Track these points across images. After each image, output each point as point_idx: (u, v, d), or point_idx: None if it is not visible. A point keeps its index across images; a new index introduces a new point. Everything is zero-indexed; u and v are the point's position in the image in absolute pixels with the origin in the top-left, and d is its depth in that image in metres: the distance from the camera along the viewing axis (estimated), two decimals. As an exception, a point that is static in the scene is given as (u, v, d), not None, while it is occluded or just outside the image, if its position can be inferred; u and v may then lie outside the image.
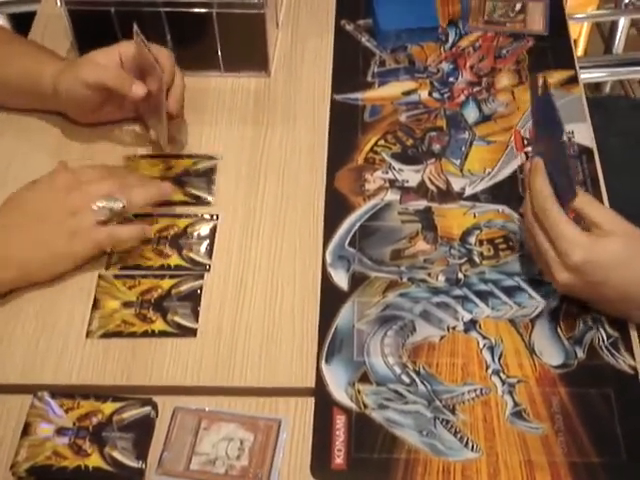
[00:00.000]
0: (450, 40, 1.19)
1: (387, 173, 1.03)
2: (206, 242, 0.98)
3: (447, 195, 1.01)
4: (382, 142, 1.07)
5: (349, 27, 1.21)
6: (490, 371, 0.87)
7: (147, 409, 0.84)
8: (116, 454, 0.82)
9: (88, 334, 0.91)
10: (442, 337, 0.89)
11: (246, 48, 1.14)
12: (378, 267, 0.95)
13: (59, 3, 1.10)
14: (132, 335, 0.90)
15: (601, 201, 1.00)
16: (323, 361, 0.88)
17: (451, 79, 1.14)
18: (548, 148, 0.88)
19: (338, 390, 0.86)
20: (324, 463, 0.82)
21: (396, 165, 1.04)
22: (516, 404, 0.84)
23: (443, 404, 0.85)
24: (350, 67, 1.16)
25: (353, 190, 1.02)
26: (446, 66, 1.15)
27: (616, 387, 0.85)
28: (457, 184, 1.02)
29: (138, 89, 1.01)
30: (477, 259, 0.95)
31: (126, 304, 0.93)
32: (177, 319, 0.92)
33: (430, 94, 1.12)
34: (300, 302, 0.93)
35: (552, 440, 0.82)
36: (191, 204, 1.02)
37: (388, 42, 1.18)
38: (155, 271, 0.95)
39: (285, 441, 0.83)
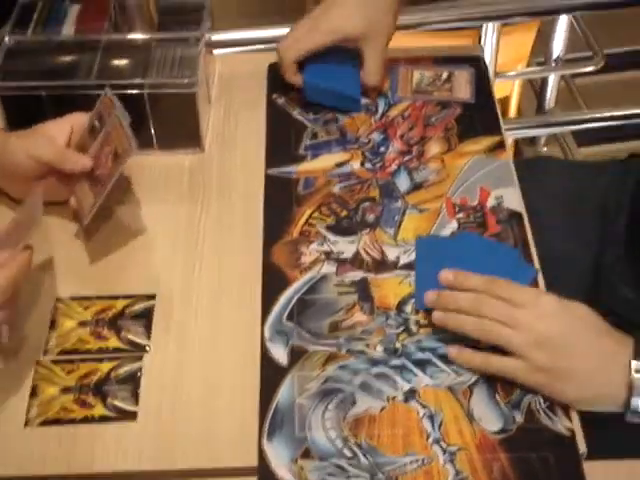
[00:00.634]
0: (380, 110, 1.21)
1: (322, 245, 1.05)
2: (144, 322, 0.98)
3: (382, 265, 1.03)
4: (316, 214, 1.08)
5: (280, 101, 1.23)
6: (431, 440, 0.88)
7: (89, 498, 0.84)
8: None
9: (27, 423, 0.90)
10: (382, 408, 0.90)
11: (179, 126, 1.15)
12: (316, 340, 0.96)
13: (-10, 88, 1.11)
14: (72, 422, 0.90)
15: (532, 263, 1.02)
16: (265, 439, 0.88)
17: (382, 149, 1.16)
18: None
19: (281, 467, 0.86)
20: (269, 543, 0.82)
21: (331, 237, 1.06)
22: (457, 472, 0.85)
23: (386, 476, 0.85)
24: (283, 140, 1.18)
25: (289, 264, 1.03)
26: (377, 136, 1.18)
27: (554, 450, 0.86)
28: (392, 253, 1.04)
29: (84, 162, 1.02)
30: (414, 328, 0.97)
31: (65, 390, 0.92)
32: (117, 403, 0.91)
33: (362, 164, 1.14)
34: (240, 379, 0.93)
35: (494, 507, 0.83)
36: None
37: (312, 96, 1.21)
38: (94, 354, 0.95)
39: (229, 523, 0.83)
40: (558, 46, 2.15)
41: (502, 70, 2.03)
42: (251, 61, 1.32)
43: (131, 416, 0.90)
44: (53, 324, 0.98)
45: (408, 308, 0.98)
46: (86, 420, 0.90)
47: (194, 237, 1.07)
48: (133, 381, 0.93)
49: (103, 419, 0.90)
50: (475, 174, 1.12)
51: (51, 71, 1.13)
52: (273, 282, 1.01)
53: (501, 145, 1.15)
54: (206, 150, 1.17)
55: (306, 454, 0.86)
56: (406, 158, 1.15)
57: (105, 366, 0.94)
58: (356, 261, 1.03)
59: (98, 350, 0.95)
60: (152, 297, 1.00)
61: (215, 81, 1.27)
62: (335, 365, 0.93)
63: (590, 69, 2.13)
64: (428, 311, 0.98)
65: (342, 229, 1.07)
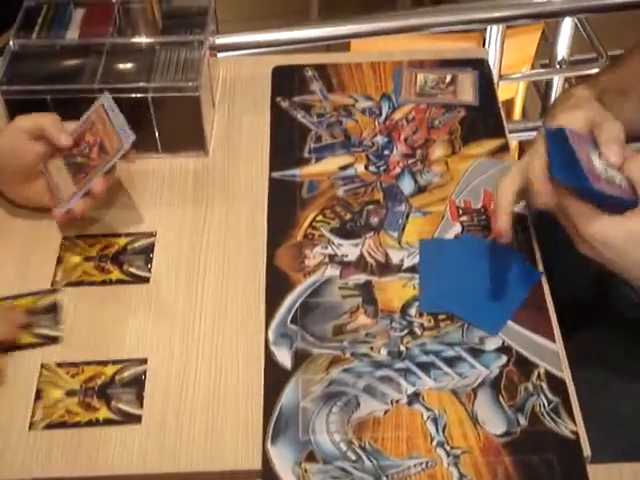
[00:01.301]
0: (384, 113, 1.21)
1: (326, 248, 1.05)
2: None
3: (386, 268, 1.03)
4: (320, 217, 1.08)
5: (284, 104, 1.23)
6: (435, 443, 0.88)
7: (93, 500, 0.84)
8: None
9: (31, 426, 0.90)
10: (386, 411, 0.90)
11: (183, 129, 1.15)
12: (321, 343, 0.96)
13: (-5, 91, 1.11)
14: (76, 425, 0.90)
15: (536, 266, 1.02)
16: (269, 442, 0.88)
17: (386, 152, 1.16)
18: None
19: (285, 471, 0.86)
20: None
21: (335, 240, 1.06)
22: (462, 476, 0.85)
23: None
24: (287, 144, 1.18)
25: (293, 267, 1.03)
26: (381, 139, 1.18)
27: (558, 453, 0.86)
28: (396, 256, 1.04)
29: (66, 139, 1.03)
30: (418, 331, 0.97)
31: (69, 393, 0.92)
32: (121, 406, 0.91)
33: (366, 168, 1.14)
34: (244, 382, 0.93)
35: (498, 510, 0.83)
36: (129, 282, 1.02)
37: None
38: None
39: (233, 526, 0.83)
40: (563, 48, 2.14)
41: (507, 72, 2.03)
42: (255, 64, 1.32)
43: (136, 419, 0.90)
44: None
45: (412, 311, 0.98)
46: (90, 423, 0.90)
47: (198, 240, 1.07)
48: (138, 384, 0.93)
49: (107, 422, 0.90)
50: (479, 177, 1.12)
51: (55, 75, 1.14)
52: (277, 285, 1.01)
53: (505, 148, 1.15)
54: (210, 153, 1.18)
55: (310, 457, 0.87)
56: (410, 161, 1.15)
57: (110, 369, 0.94)
58: (360, 264, 1.03)
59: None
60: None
61: (219, 84, 1.28)
62: (339, 368, 0.94)
63: (595, 71, 2.12)
64: (432, 314, 0.98)
65: (346, 232, 1.07)
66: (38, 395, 0.92)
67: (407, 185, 1.12)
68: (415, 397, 0.91)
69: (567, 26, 2.10)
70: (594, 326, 1.10)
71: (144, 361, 0.95)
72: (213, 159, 1.17)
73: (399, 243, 1.05)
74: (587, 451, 0.87)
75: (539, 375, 0.92)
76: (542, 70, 2.31)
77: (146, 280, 1.03)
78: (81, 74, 1.13)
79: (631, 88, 1.04)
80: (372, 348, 0.95)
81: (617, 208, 0.86)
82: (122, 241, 1.06)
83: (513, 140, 2.15)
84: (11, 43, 1.16)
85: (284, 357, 0.95)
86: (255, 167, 1.15)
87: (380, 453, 0.87)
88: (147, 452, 0.88)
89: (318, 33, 1.63)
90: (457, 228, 1.06)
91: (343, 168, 1.14)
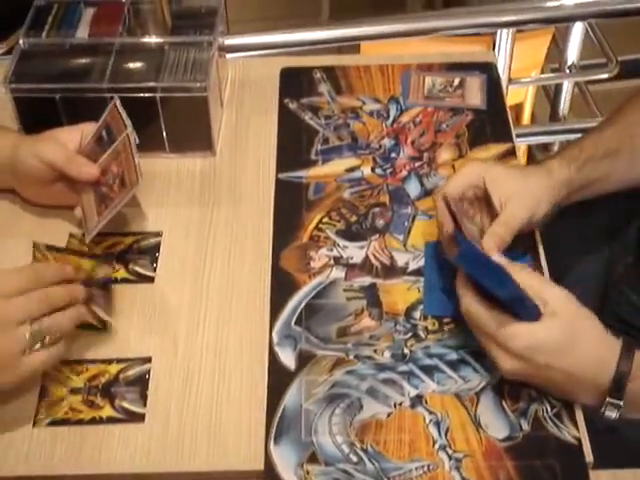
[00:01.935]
0: (391, 116, 1.21)
1: (332, 250, 1.05)
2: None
3: (391, 270, 1.03)
4: (326, 219, 1.08)
5: (292, 105, 1.23)
6: (437, 446, 0.88)
7: (95, 498, 0.84)
8: None
9: (35, 423, 0.90)
10: (389, 414, 0.90)
11: (191, 129, 1.16)
12: (325, 345, 0.96)
13: (4, 90, 1.12)
14: (80, 422, 0.90)
15: (541, 272, 1.02)
16: (272, 442, 0.88)
17: (393, 155, 1.16)
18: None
19: (287, 472, 0.86)
20: None
21: (340, 242, 1.06)
22: (463, 479, 0.85)
23: (391, 482, 0.85)
24: (294, 145, 1.18)
25: (298, 268, 1.03)
26: (388, 142, 1.18)
27: (561, 459, 0.86)
28: (401, 259, 1.04)
29: (91, 170, 1.02)
30: (422, 334, 0.97)
31: (73, 391, 0.93)
32: (125, 404, 0.92)
33: (373, 170, 1.14)
34: (248, 383, 0.93)
35: (499, 515, 0.83)
36: (134, 281, 1.03)
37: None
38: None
39: (234, 526, 0.83)
40: (573, 53, 2.13)
41: (516, 76, 2.03)
42: (264, 65, 1.32)
43: (139, 418, 0.91)
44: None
45: (417, 314, 0.98)
46: (94, 421, 0.90)
47: (204, 240, 1.07)
48: (141, 383, 0.93)
49: (111, 420, 0.91)
50: (486, 181, 1.12)
51: (65, 74, 1.14)
52: (282, 286, 1.01)
53: (512, 152, 1.15)
54: (217, 154, 1.18)
55: (312, 459, 0.87)
56: (417, 164, 1.15)
57: (114, 368, 0.95)
58: (365, 266, 1.03)
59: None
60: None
61: (227, 85, 1.28)
62: (342, 370, 0.94)
63: (605, 76, 2.12)
64: (436, 317, 0.98)
65: (352, 234, 1.07)
66: (42, 393, 0.92)
67: (413, 188, 1.12)
68: (418, 400, 0.91)
69: (578, 31, 2.09)
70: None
71: (148, 360, 0.95)
72: (220, 159, 1.17)
73: (404, 246, 1.05)
74: (589, 457, 0.87)
75: (542, 380, 0.92)
76: (552, 74, 2.30)
77: (151, 280, 1.03)
78: (90, 73, 1.13)
79: (621, 145, 1.05)
80: (376, 350, 0.95)
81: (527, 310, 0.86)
82: (128, 240, 1.07)
83: (521, 144, 2.15)
84: (21, 42, 1.17)
85: (288, 358, 0.95)
86: (262, 168, 1.16)
87: (382, 456, 0.87)
88: (150, 451, 0.88)
89: (327, 35, 1.63)
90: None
91: (350, 170, 1.15)
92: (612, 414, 0.86)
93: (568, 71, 2.18)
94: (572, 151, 1.04)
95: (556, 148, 2.44)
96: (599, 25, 2.15)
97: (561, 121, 2.27)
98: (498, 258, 0.92)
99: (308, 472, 0.86)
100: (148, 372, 0.94)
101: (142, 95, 1.11)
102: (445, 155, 1.16)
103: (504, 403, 0.91)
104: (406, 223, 1.08)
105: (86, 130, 1.06)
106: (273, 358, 0.95)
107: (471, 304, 0.88)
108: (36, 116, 1.14)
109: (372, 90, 1.26)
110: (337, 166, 1.15)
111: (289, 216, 1.09)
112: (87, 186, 1.04)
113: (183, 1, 1.26)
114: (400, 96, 1.24)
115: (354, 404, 0.91)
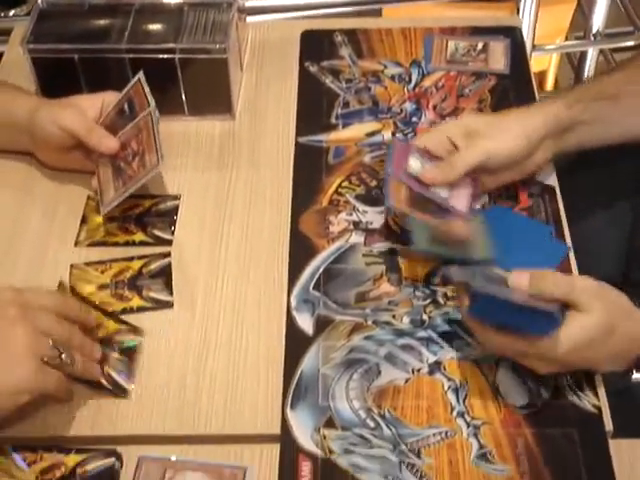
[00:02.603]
0: (413, 80, 1.20)
1: (351, 215, 1.04)
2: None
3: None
4: (346, 184, 1.07)
5: (313, 69, 1.22)
6: (455, 413, 0.87)
7: (111, 460, 0.84)
8: (80, 507, 0.81)
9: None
10: (407, 380, 0.89)
11: (210, 92, 1.14)
12: (343, 310, 0.95)
13: (22, 50, 1.11)
14: (111, 315, 0.94)
15: (564, 240, 1.00)
16: (288, 407, 0.88)
17: (414, 119, 1.15)
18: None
19: (304, 436, 0.86)
20: (290, 511, 0.82)
21: (360, 207, 1.05)
22: (481, 446, 0.84)
23: (408, 448, 0.84)
24: (314, 109, 1.17)
25: (317, 233, 1.02)
26: (409, 106, 1.16)
27: (580, 427, 0.85)
28: (421, 225, 1.03)
29: (110, 143, 1.01)
30: (441, 300, 0.96)
31: (101, 287, 0.97)
32: (152, 294, 0.97)
33: (394, 134, 1.13)
34: (265, 347, 0.93)
35: (517, 482, 0.83)
36: (152, 244, 1.02)
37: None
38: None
39: (250, 489, 0.83)
40: (598, 20, 2.10)
41: (540, 43, 2.00)
42: (284, 28, 1.31)
43: (167, 304, 0.96)
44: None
45: (436, 280, 0.97)
46: (125, 311, 0.95)
47: (223, 203, 1.06)
48: (164, 275, 0.98)
49: (141, 309, 0.95)
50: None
51: (83, 34, 1.13)
52: (300, 251, 1.00)
53: (535, 118, 1.13)
54: (237, 117, 1.17)
55: (329, 423, 0.86)
56: (438, 129, 1.13)
57: (136, 264, 0.99)
58: (385, 232, 1.02)
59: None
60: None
61: (247, 48, 1.26)
62: (361, 335, 0.93)
63: (630, 44, 2.09)
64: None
65: (372, 199, 1.06)
66: (73, 290, 0.96)
67: (435, 153, 1.10)
68: (436, 366, 0.90)
69: (603, -2, 2.06)
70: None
71: (167, 254, 1.00)
72: (239, 123, 1.16)
73: (425, 211, 1.04)
74: (609, 426, 0.86)
75: (563, 348, 0.91)
76: (576, 42, 2.27)
77: (169, 243, 1.02)
78: (109, 34, 1.12)
79: (622, 91, 1.03)
80: (394, 316, 0.94)
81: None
82: (147, 203, 1.06)
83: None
84: (39, 1, 1.16)
85: (306, 323, 0.94)
86: (282, 132, 1.14)
87: (399, 421, 0.86)
88: (166, 414, 0.88)
89: (349, -2, 1.61)
90: (484, 198, 1.05)
91: (370, 134, 1.13)
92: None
93: (593, 38, 2.15)
94: (562, 92, 1.03)
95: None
96: (625, -9, 2.12)
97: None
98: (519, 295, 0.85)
99: (325, 437, 0.85)
100: (169, 265, 0.99)
101: (161, 56, 1.10)
102: (467, 120, 1.14)
103: (523, 371, 0.90)
104: (426, 188, 1.06)
105: (107, 99, 1.05)
106: (291, 322, 0.94)
107: (491, 339, 0.85)
108: (54, 78, 1.13)
109: (394, 54, 1.24)
110: (357, 130, 1.14)
111: (308, 180, 1.08)
112: (105, 158, 1.04)
113: (203, -38, 1.25)
114: (422, 60, 1.23)
115: (372, 369, 0.90)
